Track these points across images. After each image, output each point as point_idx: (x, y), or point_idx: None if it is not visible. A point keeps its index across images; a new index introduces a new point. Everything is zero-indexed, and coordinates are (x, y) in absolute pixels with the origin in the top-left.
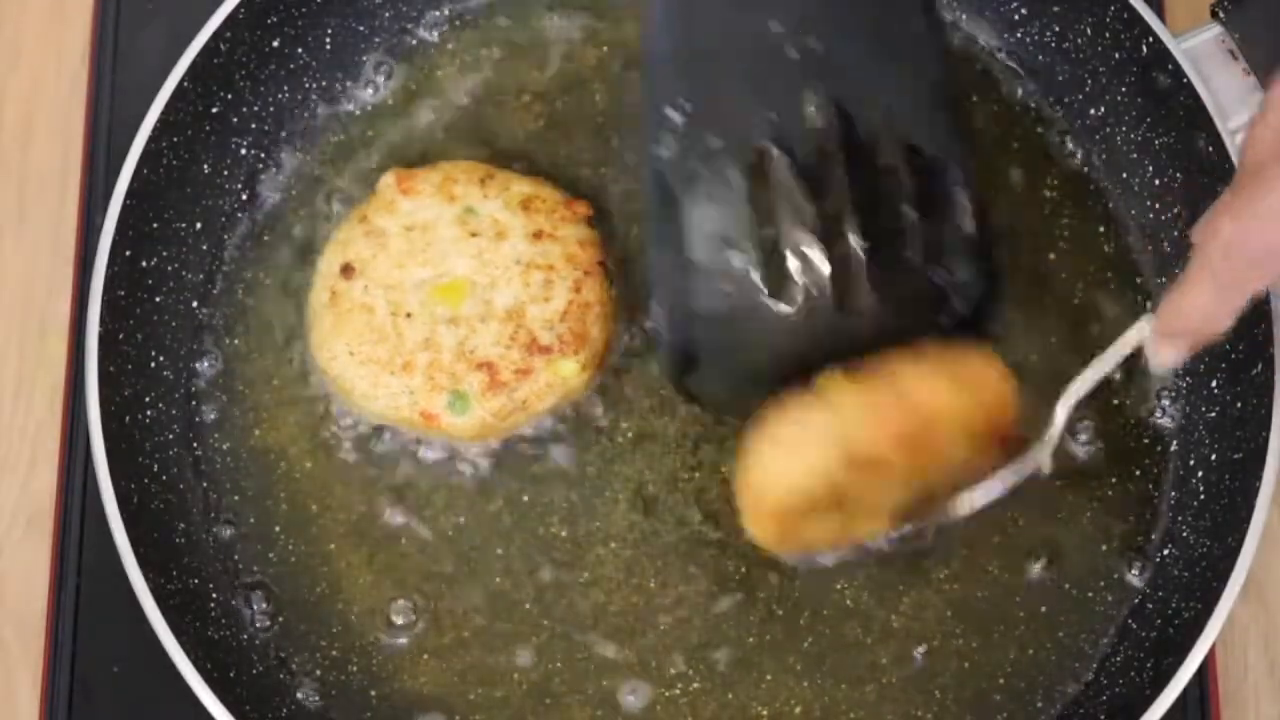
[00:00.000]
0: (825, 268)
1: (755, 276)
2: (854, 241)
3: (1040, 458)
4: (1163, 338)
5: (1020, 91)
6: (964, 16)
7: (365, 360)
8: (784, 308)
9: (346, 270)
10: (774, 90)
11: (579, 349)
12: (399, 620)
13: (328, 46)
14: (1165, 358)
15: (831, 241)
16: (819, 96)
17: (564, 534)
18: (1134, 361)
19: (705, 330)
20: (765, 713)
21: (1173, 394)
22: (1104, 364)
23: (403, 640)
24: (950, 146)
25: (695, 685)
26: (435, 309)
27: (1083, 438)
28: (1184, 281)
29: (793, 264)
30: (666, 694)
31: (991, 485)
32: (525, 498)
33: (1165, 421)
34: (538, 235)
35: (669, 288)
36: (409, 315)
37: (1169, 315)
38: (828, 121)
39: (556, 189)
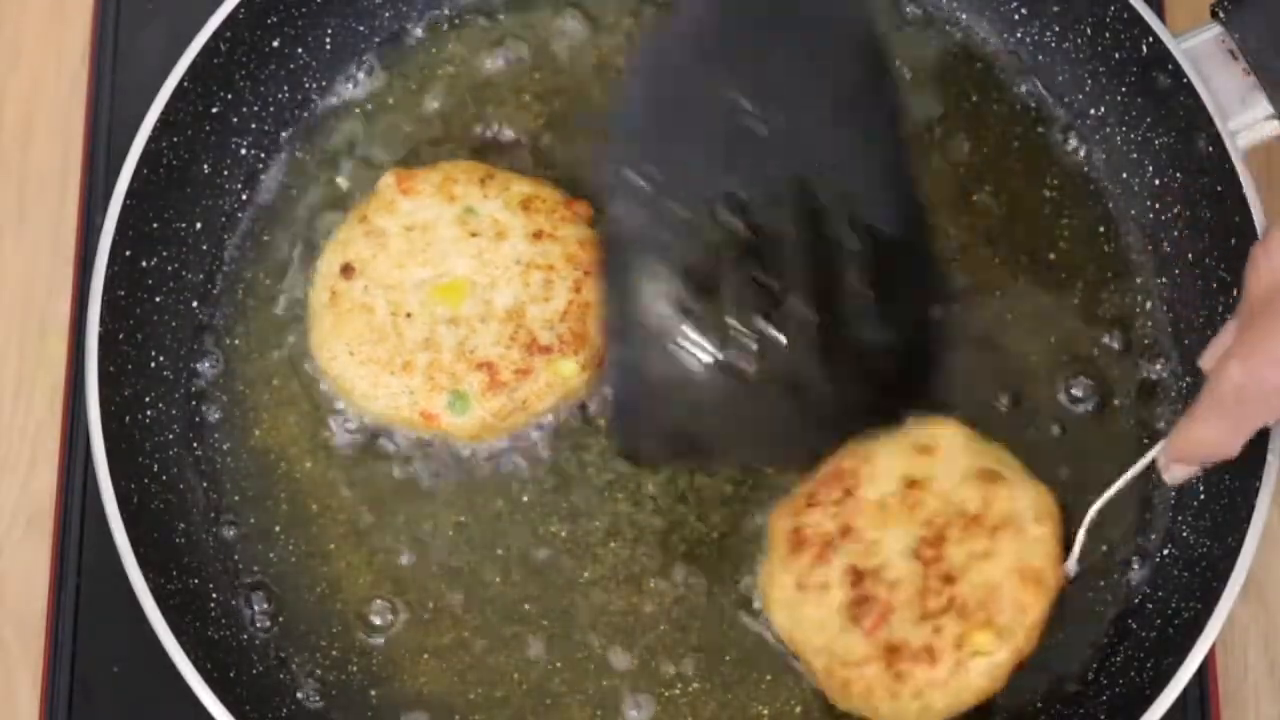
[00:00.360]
0: (778, 338)
1: (707, 345)
2: (806, 312)
3: (1068, 566)
4: (1175, 461)
5: (1020, 91)
6: (964, 16)
7: (365, 360)
8: (732, 376)
9: (346, 270)
10: (740, 163)
11: (579, 349)
12: (399, 620)
13: (328, 46)
14: (1176, 476)
15: (785, 312)
16: (783, 170)
17: (564, 534)
18: (1127, 354)
19: (656, 396)
20: (766, 712)
21: (1174, 393)
22: (1120, 484)
23: (403, 640)
24: (907, 225)
25: (695, 685)
26: (435, 309)
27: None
28: (1195, 414)
29: (743, 334)
30: (667, 694)
31: None
32: (525, 498)
33: (1164, 423)
34: (538, 235)
35: (621, 351)
36: (409, 315)
37: (1180, 443)
38: (790, 195)
39: (556, 189)
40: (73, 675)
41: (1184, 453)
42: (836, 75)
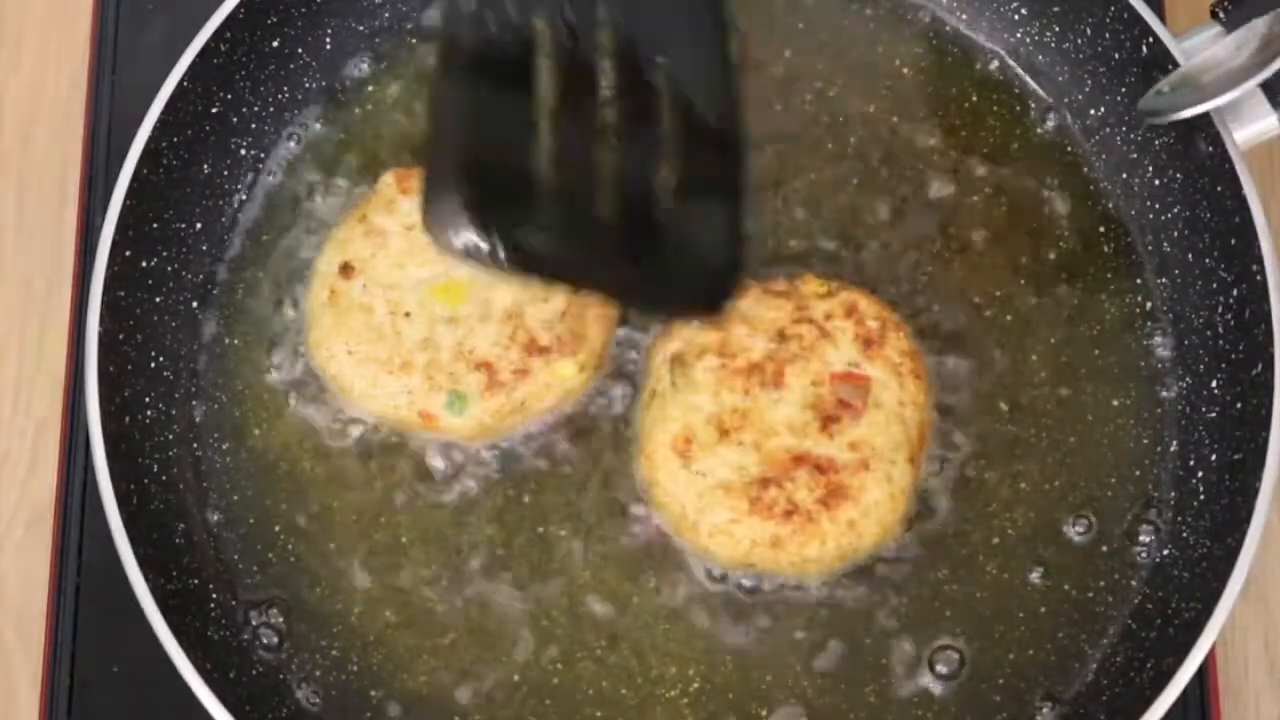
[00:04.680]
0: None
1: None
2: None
3: None
4: None
5: (1020, 92)
6: (964, 17)
7: (364, 359)
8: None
9: (345, 269)
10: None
11: (577, 350)
12: (398, 619)
13: (327, 46)
14: None
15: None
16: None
17: (564, 533)
18: (1128, 355)
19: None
20: (764, 712)
21: (1173, 393)
22: None
23: (402, 640)
24: (729, 118)
25: (695, 686)
26: (434, 309)
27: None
28: None
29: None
30: (667, 694)
31: None
32: (526, 498)
33: (1165, 423)
34: None
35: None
36: (408, 314)
37: None
38: (613, 41)
39: None
40: (73, 675)
41: None
42: None
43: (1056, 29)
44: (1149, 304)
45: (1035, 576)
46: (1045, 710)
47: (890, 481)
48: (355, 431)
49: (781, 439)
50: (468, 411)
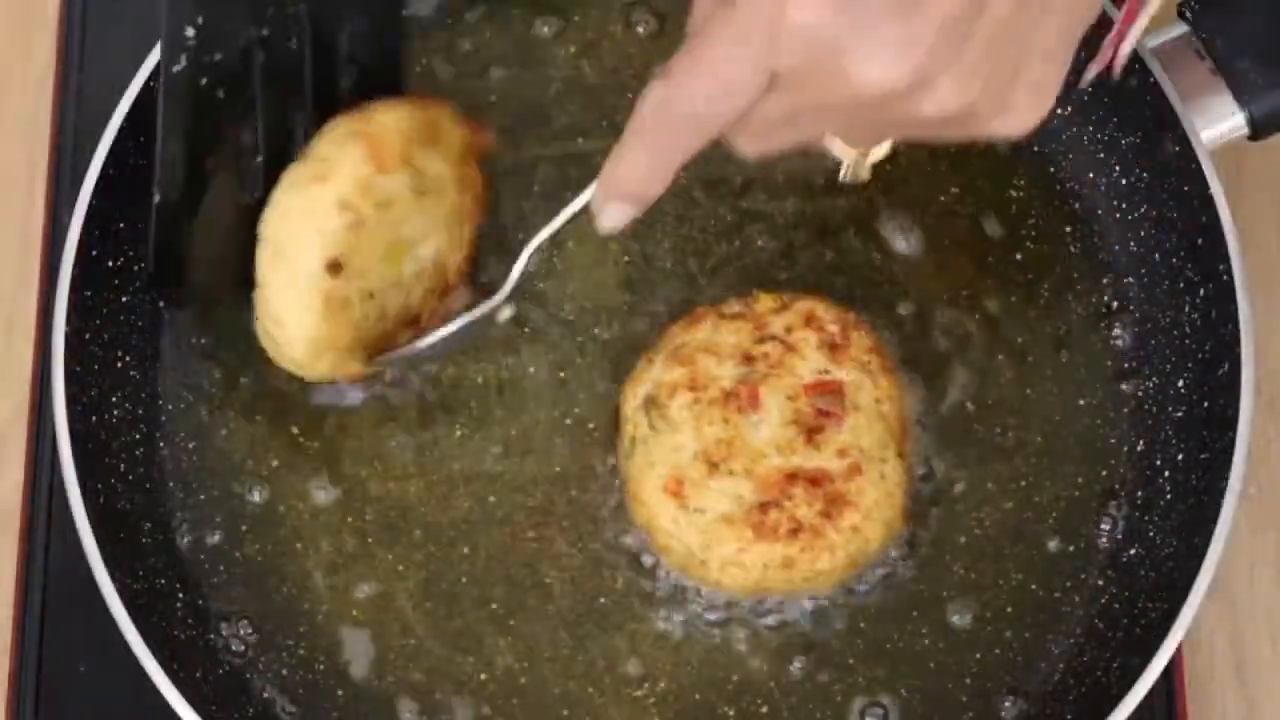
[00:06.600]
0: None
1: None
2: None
3: (497, 302)
4: (605, 200)
5: None
6: None
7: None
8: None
9: (333, 267)
10: (266, 9)
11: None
12: (366, 617)
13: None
14: (607, 219)
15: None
16: (302, 13)
17: (548, 529)
18: (1094, 353)
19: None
20: (731, 712)
21: (1140, 392)
22: (558, 220)
23: (371, 637)
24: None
25: (661, 685)
26: (385, 273)
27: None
28: (620, 144)
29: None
30: (635, 693)
31: (450, 325)
32: (492, 498)
33: (1131, 422)
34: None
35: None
36: (371, 295)
37: (607, 178)
38: (305, 37)
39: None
40: (40, 675)
41: (609, 188)
42: None
43: None
44: (1115, 303)
45: (1001, 575)
46: (1011, 711)
47: (885, 479)
48: (322, 429)
49: (770, 460)
50: None
